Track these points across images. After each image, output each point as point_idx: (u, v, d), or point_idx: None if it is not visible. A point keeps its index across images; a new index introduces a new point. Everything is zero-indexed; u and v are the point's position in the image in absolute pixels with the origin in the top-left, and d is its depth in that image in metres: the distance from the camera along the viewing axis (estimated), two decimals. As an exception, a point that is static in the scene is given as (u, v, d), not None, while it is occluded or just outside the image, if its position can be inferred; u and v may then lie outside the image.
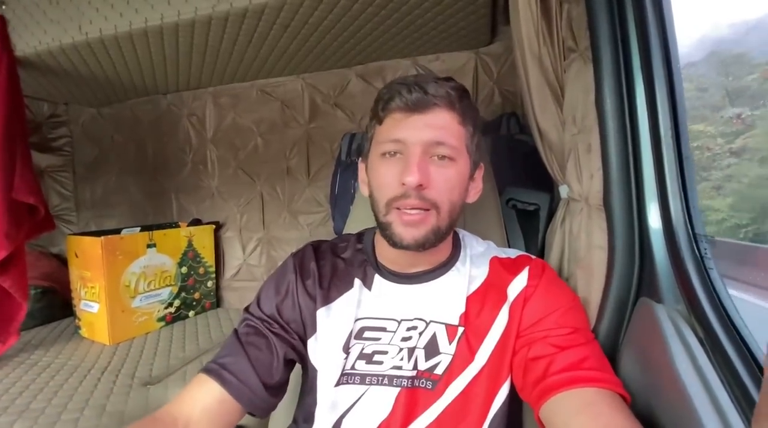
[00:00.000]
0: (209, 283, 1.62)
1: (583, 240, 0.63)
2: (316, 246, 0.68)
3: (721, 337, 0.39)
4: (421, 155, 0.53)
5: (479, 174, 0.63)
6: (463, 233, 0.68)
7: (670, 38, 0.47)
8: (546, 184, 1.01)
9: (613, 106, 0.53)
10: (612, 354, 0.55)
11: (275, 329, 0.60)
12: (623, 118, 0.53)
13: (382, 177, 0.56)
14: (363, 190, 0.64)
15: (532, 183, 1.02)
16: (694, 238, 0.45)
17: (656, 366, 0.43)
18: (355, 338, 0.58)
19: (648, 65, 0.48)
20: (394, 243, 0.55)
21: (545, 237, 0.87)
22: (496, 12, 1.16)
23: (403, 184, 0.52)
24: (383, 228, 0.57)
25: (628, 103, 0.52)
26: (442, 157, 0.54)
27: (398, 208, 0.54)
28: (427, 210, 0.54)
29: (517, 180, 1.03)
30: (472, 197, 0.62)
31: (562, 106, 0.73)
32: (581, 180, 0.64)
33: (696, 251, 0.44)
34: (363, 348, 0.57)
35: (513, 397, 0.56)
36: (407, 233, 0.54)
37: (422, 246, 0.55)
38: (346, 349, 0.57)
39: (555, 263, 0.77)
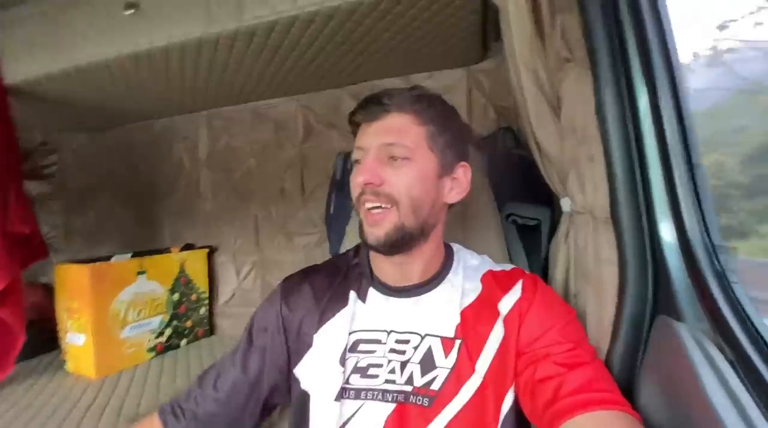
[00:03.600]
0: (202, 310, 1.56)
1: (591, 255, 0.60)
2: (310, 272, 0.69)
3: (752, 357, 0.35)
4: (373, 158, 0.57)
5: (462, 173, 0.63)
6: (457, 247, 0.68)
7: (669, 42, 0.45)
8: (546, 198, 0.99)
9: (614, 114, 0.52)
10: (629, 375, 0.51)
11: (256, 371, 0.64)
12: (626, 126, 0.51)
13: (351, 181, 0.60)
14: None
15: (532, 197, 1.00)
16: (713, 251, 0.42)
17: (682, 389, 0.39)
18: (350, 351, 0.58)
19: (649, 70, 0.47)
20: (365, 242, 0.59)
21: (548, 253, 0.84)
22: (487, 28, 1.17)
23: (359, 184, 0.57)
24: (359, 229, 0.60)
25: (630, 110, 0.50)
26: (396, 158, 0.57)
27: (365, 207, 0.58)
28: (387, 207, 0.56)
29: (516, 195, 1.01)
30: (455, 197, 0.62)
31: (560, 118, 0.71)
32: (585, 192, 0.61)
33: (716, 264, 0.41)
34: (357, 362, 0.57)
35: (519, 418, 0.54)
36: (371, 231, 0.57)
37: (385, 244, 0.56)
38: (343, 362, 0.57)
39: (560, 279, 0.73)
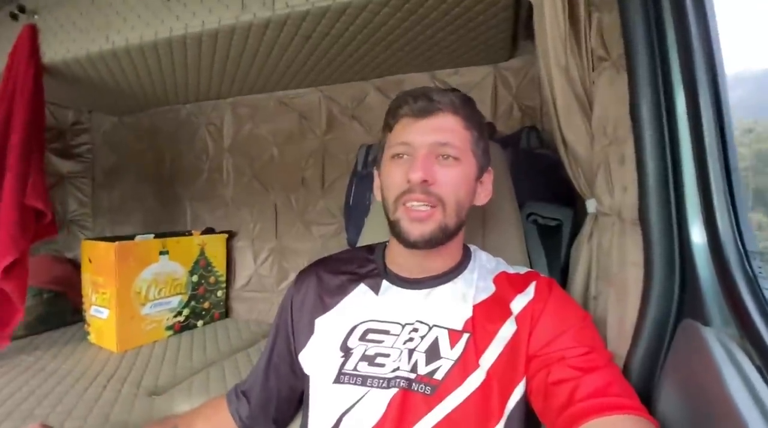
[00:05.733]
0: (219, 293, 1.60)
1: (615, 257, 0.59)
2: (323, 261, 0.71)
3: (782, 364, 0.35)
4: (426, 155, 0.56)
5: (488, 178, 0.64)
6: (474, 247, 0.68)
7: (714, 44, 0.44)
8: (568, 199, 0.98)
9: (649, 115, 0.51)
10: (648, 379, 0.50)
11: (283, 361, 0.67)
12: (661, 128, 0.50)
13: (391, 176, 0.59)
14: (377, 195, 0.66)
15: (554, 198, 0.99)
16: (745, 255, 0.41)
17: (706, 394, 0.39)
18: (359, 340, 0.59)
19: (690, 72, 0.46)
20: (402, 240, 0.58)
21: (569, 254, 0.84)
22: (518, 26, 1.16)
23: (409, 181, 0.55)
24: (393, 226, 0.59)
25: (666, 111, 0.50)
26: (447, 157, 0.57)
27: (405, 205, 0.56)
28: (434, 206, 0.56)
29: (538, 195, 1.00)
30: (482, 200, 0.64)
31: (590, 118, 0.70)
32: (613, 193, 0.61)
33: (748, 269, 0.41)
34: (366, 350, 0.58)
35: (528, 415, 0.54)
36: (414, 229, 0.56)
37: (429, 242, 0.56)
38: (345, 348, 0.58)
39: (581, 281, 0.73)
